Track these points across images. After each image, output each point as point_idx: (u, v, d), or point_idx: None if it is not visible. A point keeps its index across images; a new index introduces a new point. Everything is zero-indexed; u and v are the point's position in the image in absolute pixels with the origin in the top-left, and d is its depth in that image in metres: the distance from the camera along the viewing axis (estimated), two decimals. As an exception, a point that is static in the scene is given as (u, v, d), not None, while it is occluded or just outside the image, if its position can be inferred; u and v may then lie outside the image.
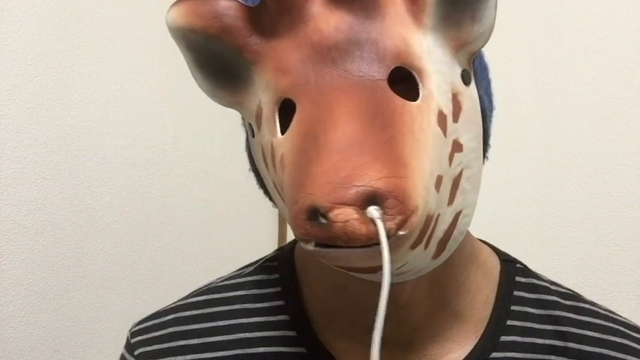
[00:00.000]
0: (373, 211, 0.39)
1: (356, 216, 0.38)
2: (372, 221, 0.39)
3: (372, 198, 0.39)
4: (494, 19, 0.46)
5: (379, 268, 0.40)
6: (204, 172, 1.44)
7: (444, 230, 0.47)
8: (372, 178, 0.39)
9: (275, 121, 0.45)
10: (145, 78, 1.31)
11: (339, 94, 0.42)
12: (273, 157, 0.46)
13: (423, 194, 0.41)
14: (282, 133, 0.45)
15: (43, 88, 1.12)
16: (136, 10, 1.29)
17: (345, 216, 0.38)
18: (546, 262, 1.27)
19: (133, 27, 1.28)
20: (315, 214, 0.39)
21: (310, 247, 0.41)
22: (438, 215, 0.45)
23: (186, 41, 0.48)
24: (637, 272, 1.24)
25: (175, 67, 1.33)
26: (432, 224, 0.44)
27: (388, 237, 0.39)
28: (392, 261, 0.39)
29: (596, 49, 1.27)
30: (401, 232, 0.40)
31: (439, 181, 0.44)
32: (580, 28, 1.29)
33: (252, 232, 1.54)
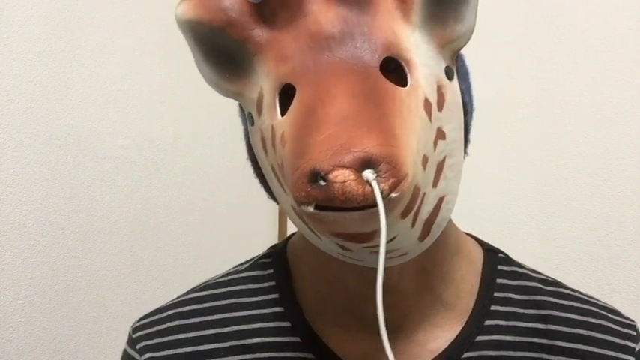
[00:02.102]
0: (369, 173, 0.43)
1: (353, 177, 0.42)
2: (368, 183, 0.42)
3: (368, 162, 0.43)
4: (475, 21, 0.51)
5: (371, 236, 0.44)
6: (204, 172, 1.44)
7: (429, 211, 0.50)
8: (368, 145, 0.43)
9: (275, 105, 0.49)
10: (145, 78, 1.31)
11: (335, 78, 0.46)
12: (273, 139, 0.49)
13: (411, 165, 0.45)
14: (283, 115, 0.48)
15: (43, 88, 1.12)
16: (136, 10, 1.29)
17: (343, 177, 0.42)
18: (546, 262, 1.27)
19: (133, 27, 1.28)
20: (315, 176, 0.43)
21: (310, 209, 0.44)
22: (424, 194, 0.48)
23: (193, 33, 0.51)
24: (637, 272, 1.24)
25: (175, 67, 1.33)
26: (419, 201, 0.48)
27: (382, 198, 0.42)
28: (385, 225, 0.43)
29: (597, 50, 1.27)
30: (393, 195, 0.43)
31: (425, 160, 0.48)
32: (581, 28, 1.29)
33: (252, 232, 1.54)
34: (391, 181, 0.43)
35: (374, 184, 0.42)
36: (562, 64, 1.30)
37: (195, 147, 1.42)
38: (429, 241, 0.53)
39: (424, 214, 0.49)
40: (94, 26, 1.21)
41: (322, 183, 0.43)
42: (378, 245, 0.44)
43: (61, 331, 1.13)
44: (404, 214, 0.47)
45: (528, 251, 1.28)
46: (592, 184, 1.27)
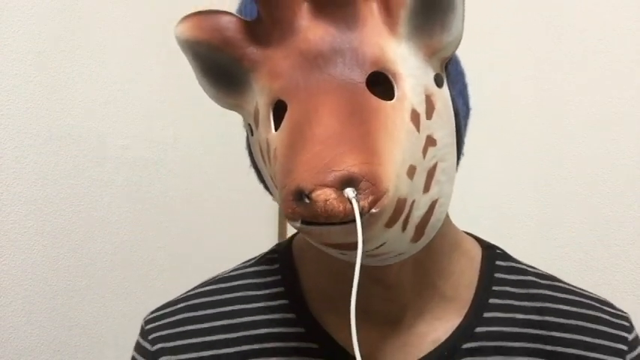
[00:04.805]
0: (349, 191, 0.45)
1: (334, 196, 0.45)
2: (349, 200, 0.45)
3: (349, 181, 0.45)
4: (462, 29, 0.52)
5: (355, 246, 0.46)
6: (204, 172, 1.44)
7: (420, 216, 0.52)
8: (349, 164, 0.45)
9: (270, 120, 0.51)
10: (145, 78, 1.31)
11: (323, 96, 0.48)
12: (268, 152, 0.52)
13: (393, 179, 0.47)
14: (276, 130, 0.50)
15: (43, 88, 1.12)
16: (136, 10, 1.29)
17: (325, 196, 0.45)
18: (546, 262, 1.27)
19: (133, 27, 1.28)
20: (300, 195, 0.45)
21: (297, 224, 0.47)
22: (414, 201, 0.50)
23: (192, 52, 0.54)
24: (637, 272, 1.24)
25: (175, 67, 1.33)
26: (407, 208, 0.50)
27: (362, 214, 0.45)
28: (366, 236, 0.46)
29: (597, 50, 1.27)
30: (373, 210, 0.46)
31: (412, 170, 0.50)
32: (580, 28, 1.29)
33: (252, 231, 1.54)
34: (370, 197, 0.45)
35: (354, 201, 0.45)
36: (561, 64, 1.30)
37: (195, 147, 1.42)
38: (424, 241, 0.55)
39: (415, 218, 0.52)
40: (94, 26, 1.21)
41: (307, 201, 0.45)
42: (369, 250, 0.48)
43: (61, 331, 1.13)
44: (389, 224, 0.49)
45: (528, 251, 1.28)
46: (592, 184, 1.27)
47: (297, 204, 0.46)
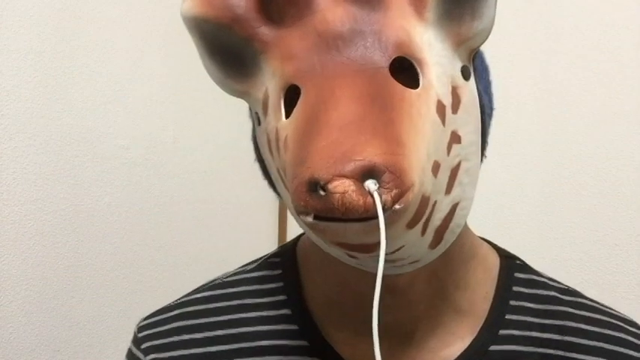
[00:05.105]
0: (371, 184, 0.40)
1: (354, 188, 0.40)
2: (370, 194, 0.40)
3: (370, 172, 0.40)
4: (494, 17, 0.48)
5: (374, 247, 0.41)
6: (204, 172, 1.44)
7: (441, 219, 0.48)
8: (371, 154, 0.40)
9: (280, 107, 0.47)
10: (145, 78, 1.30)
11: (341, 80, 0.44)
12: (277, 141, 0.47)
13: (419, 173, 0.42)
14: (287, 117, 0.46)
15: (43, 88, 1.12)
16: (137, 9, 1.29)
17: (343, 187, 0.40)
18: (546, 262, 1.27)
19: (133, 27, 1.28)
20: (315, 186, 0.40)
21: (309, 219, 0.42)
22: (435, 202, 0.46)
23: (199, 31, 0.49)
24: (637, 272, 1.24)
25: (176, 67, 1.33)
26: (429, 209, 0.45)
27: (384, 210, 0.40)
28: (388, 237, 0.40)
29: (596, 49, 1.27)
30: (397, 206, 0.41)
31: (436, 166, 0.45)
32: (580, 28, 1.29)
33: (252, 232, 1.54)
34: (394, 191, 0.40)
35: (375, 195, 0.40)
36: (562, 63, 1.30)
37: (195, 147, 1.42)
38: (441, 248, 0.50)
39: (435, 221, 0.47)
40: (94, 26, 1.20)
41: (322, 193, 0.40)
42: (386, 253, 0.42)
43: (61, 331, 1.13)
44: (410, 225, 0.45)
45: (529, 250, 1.27)
46: (592, 184, 1.27)
47: (311, 196, 0.41)
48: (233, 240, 1.48)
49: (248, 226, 1.53)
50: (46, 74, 1.12)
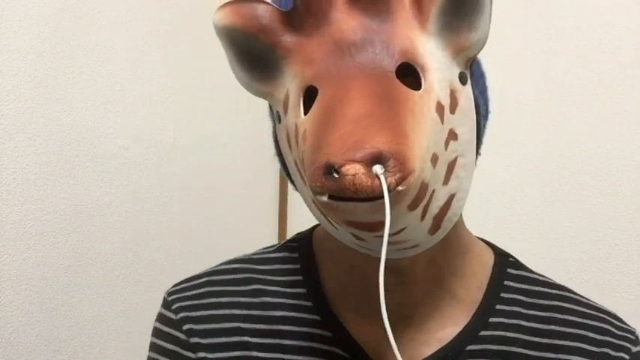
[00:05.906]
0: (377, 168, 0.47)
1: (363, 171, 0.47)
2: (377, 177, 0.47)
3: (378, 158, 0.47)
4: (488, 29, 0.55)
5: (379, 226, 0.48)
6: (204, 172, 1.44)
7: (439, 207, 0.54)
8: (379, 143, 0.47)
9: (300, 105, 0.54)
10: (146, 78, 1.31)
11: (354, 81, 0.51)
12: (296, 136, 0.54)
13: (419, 161, 0.49)
14: (306, 114, 0.53)
15: (43, 88, 1.12)
16: (137, 9, 1.29)
17: (354, 170, 0.47)
18: (546, 262, 1.27)
19: (133, 27, 1.28)
20: (330, 169, 0.47)
21: (324, 198, 0.49)
22: (434, 190, 0.52)
23: (229, 38, 0.57)
24: (637, 272, 1.24)
25: (176, 67, 1.33)
26: (428, 195, 0.52)
27: (389, 191, 0.47)
28: (391, 216, 0.47)
29: (597, 50, 1.28)
30: (400, 188, 0.47)
31: (435, 158, 0.51)
32: (581, 28, 1.29)
33: (252, 231, 1.54)
34: (398, 175, 0.47)
35: (382, 177, 0.46)
36: (562, 64, 1.30)
37: (195, 147, 1.42)
38: (440, 234, 0.56)
39: (434, 209, 0.53)
40: (94, 26, 1.20)
41: (336, 175, 0.47)
42: (390, 234, 0.49)
43: (61, 331, 1.13)
44: (411, 207, 0.51)
45: (529, 250, 1.28)
46: (592, 184, 1.27)
47: (326, 178, 0.47)
48: (233, 240, 1.48)
49: (248, 226, 1.53)
50: (46, 74, 1.12)
